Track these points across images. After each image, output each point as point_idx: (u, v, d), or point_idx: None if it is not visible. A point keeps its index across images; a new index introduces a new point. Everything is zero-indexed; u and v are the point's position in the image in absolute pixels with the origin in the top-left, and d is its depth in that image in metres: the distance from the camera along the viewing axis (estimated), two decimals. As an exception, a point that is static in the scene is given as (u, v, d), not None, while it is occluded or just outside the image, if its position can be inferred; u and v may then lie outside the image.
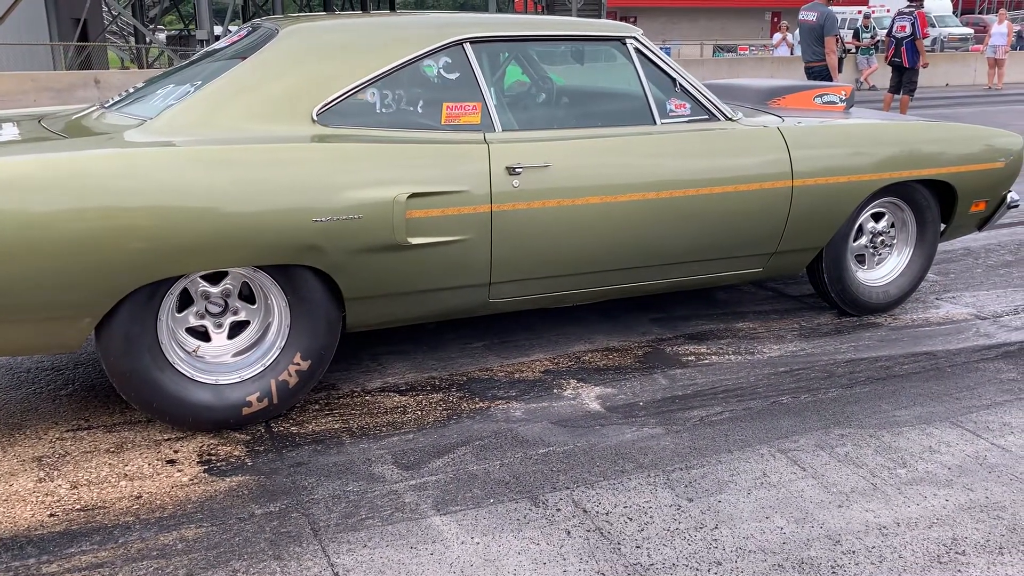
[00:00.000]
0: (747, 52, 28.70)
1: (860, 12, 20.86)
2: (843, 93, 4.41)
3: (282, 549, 2.20)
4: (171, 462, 2.62)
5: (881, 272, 4.00)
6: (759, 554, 2.21)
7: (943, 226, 4.05)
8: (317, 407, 3.00)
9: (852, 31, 19.47)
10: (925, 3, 11.18)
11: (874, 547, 2.25)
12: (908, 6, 10.75)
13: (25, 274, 2.38)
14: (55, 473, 2.54)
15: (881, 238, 3.93)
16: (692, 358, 3.48)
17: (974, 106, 14.55)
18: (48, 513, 2.34)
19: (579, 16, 19.09)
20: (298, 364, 2.82)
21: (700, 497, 2.47)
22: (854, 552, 2.23)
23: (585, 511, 2.39)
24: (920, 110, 12.87)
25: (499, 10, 22.20)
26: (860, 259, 3.95)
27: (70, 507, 2.37)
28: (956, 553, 2.23)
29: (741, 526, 2.33)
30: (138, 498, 2.42)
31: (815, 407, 3.05)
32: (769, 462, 2.67)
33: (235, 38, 3.32)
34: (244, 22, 20.11)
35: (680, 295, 4.22)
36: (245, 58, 2.91)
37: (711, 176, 3.29)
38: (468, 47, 3.08)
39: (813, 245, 3.66)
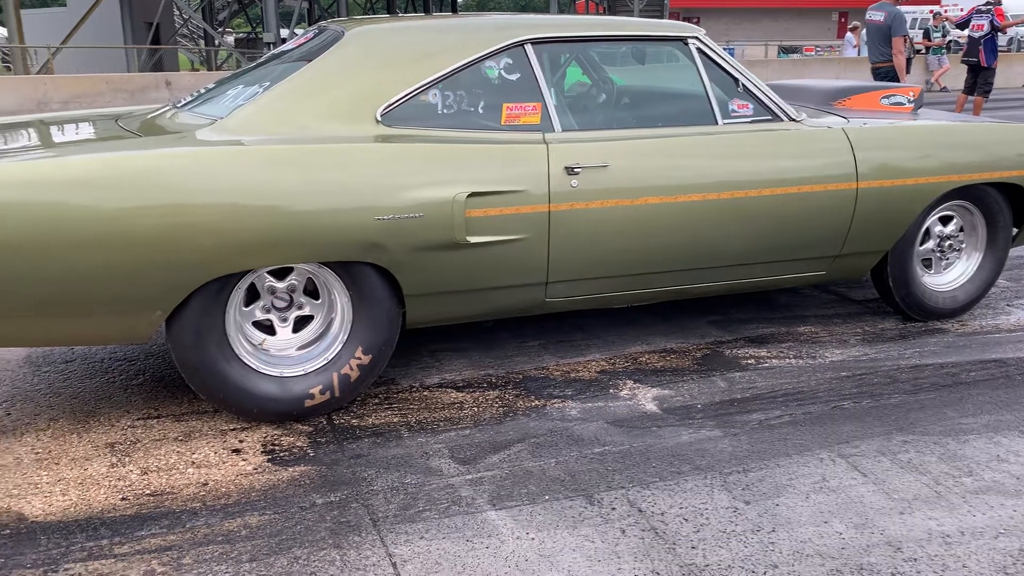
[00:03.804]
0: (813, 53, 28.18)
1: (932, 12, 20.31)
2: (911, 94, 4.31)
3: (342, 538, 2.25)
4: (236, 451, 2.70)
5: (949, 277, 3.90)
6: (817, 558, 2.19)
7: (1015, 231, 3.94)
8: (377, 401, 3.06)
9: (923, 31, 18.97)
10: (1004, 1, 10.85)
11: (937, 555, 2.20)
12: (985, 4, 10.44)
13: (100, 268, 2.47)
14: (126, 459, 2.64)
15: (949, 242, 3.83)
16: (752, 361, 3.45)
17: (1051, 108, 14.05)
18: (120, 497, 2.43)
19: (641, 17, 18.95)
20: (359, 358, 2.88)
21: (757, 500, 2.45)
22: (915, 560, 2.19)
23: (640, 511, 2.39)
24: (995, 112, 12.47)
25: (560, 11, 22.18)
26: (927, 263, 3.86)
27: (140, 491, 2.46)
28: None
29: (799, 530, 2.31)
30: (204, 485, 2.50)
31: (877, 413, 3.00)
32: (829, 467, 2.63)
33: (302, 40, 3.40)
34: (310, 25, 20.53)
35: (739, 298, 4.18)
36: (312, 60, 2.98)
37: (773, 177, 3.25)
38: (529, 48, 3.10)
39: (878, 248, 3.59)
